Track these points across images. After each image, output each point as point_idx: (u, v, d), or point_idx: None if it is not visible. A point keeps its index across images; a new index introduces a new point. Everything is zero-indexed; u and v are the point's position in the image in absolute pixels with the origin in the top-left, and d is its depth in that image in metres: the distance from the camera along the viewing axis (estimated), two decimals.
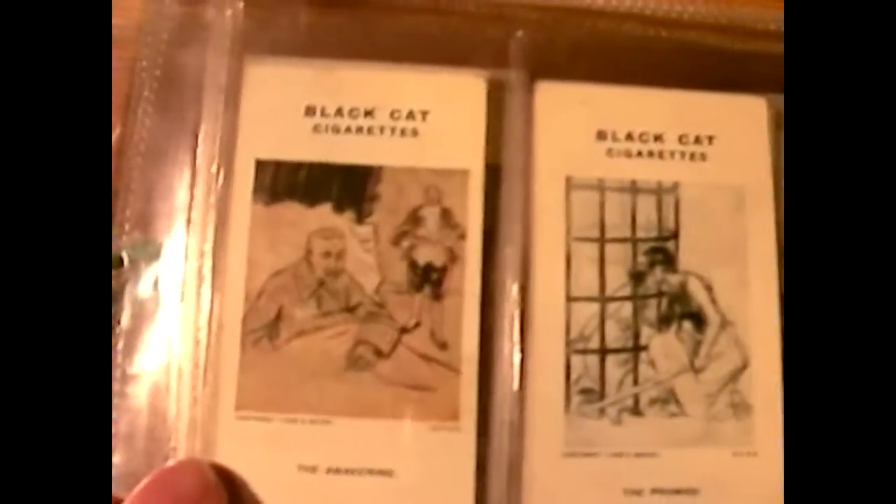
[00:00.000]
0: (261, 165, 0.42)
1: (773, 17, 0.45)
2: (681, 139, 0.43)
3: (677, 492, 0.41)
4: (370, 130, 0.42)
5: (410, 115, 0.42)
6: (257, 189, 0.41)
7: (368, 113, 0.42)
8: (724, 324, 0.42)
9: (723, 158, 0.43)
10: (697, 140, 0.43)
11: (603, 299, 0.42)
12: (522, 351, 0.41)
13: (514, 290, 0.41)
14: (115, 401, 0.40)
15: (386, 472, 0.40)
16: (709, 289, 0.42)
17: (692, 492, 0.41)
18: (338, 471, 0.40)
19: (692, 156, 0.43)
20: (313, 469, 0.40)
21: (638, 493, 0.40)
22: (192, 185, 0.42)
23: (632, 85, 0.44)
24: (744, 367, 0.42)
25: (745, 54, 0.45)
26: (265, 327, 0.41)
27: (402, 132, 0.42)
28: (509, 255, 0.42)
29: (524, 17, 0.44)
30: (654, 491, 0.40)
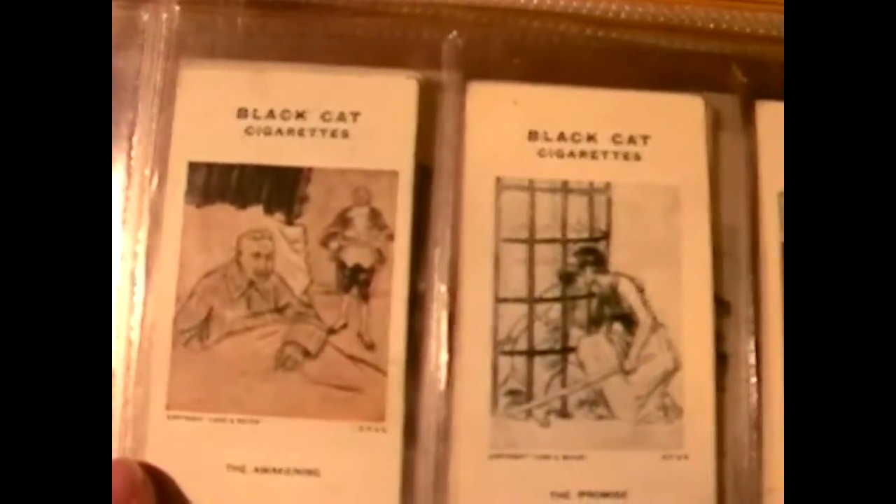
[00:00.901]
0: (193, 167, 0.42)
1: (711, 15, 0.44)
2: (614, 139, 0.43)
3: (605, 495, 0.40)
4: (301, 132, 0.42)
5: (341, 117, 0.42)
6: (190, 191, 0.42)
7: (300, 115, 0.42)
8: (656, 325, 0.42)
9: (657, 158, 0.43)
10: (632, 140, 0.43)
11: (531, 300, 0.41)
12: (450, 352, 0.41)
13: (442, 291, 0.41)
14: None
15: (312, 472, 0.40)
16: (640, 290, 0.42)
17: (620, 495, 0.40)
18: (265, 470, 0.40)
19: (626, 155, 0.43)
20: (242, 468, 0.40)
21: (565, 495, 0.40)
22: (127, 188, 0.42)
23: (568, 85, 0.44)
24: (675, 369, 0.41)
25: (683, 53, 0.44)
26: (196, 327, 0.41)
27: (333, 133, 0.42)
28: (438, 256, 0.42)
29: (460, 17, 0.44)
30: (582, 494, 0.40)
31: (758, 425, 0.41)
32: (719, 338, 0.42)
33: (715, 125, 0.44)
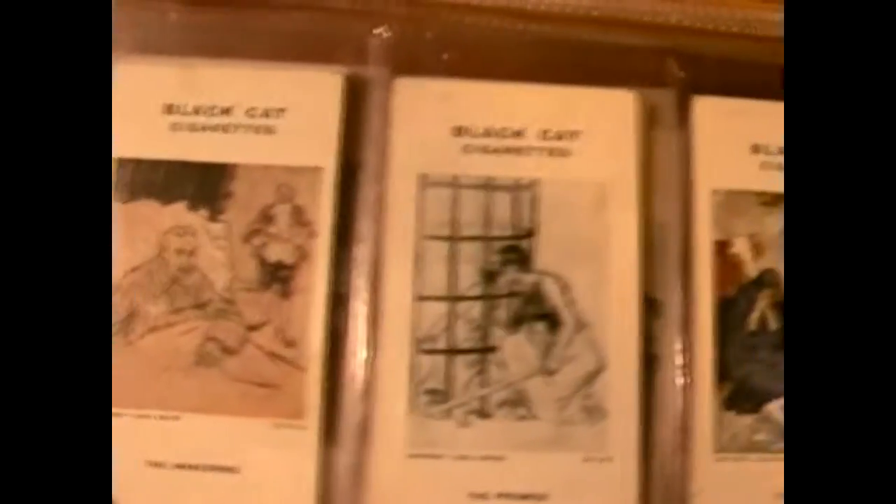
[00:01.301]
0: (121, 163, 0.42)
1: (646, 9, 0.43)
2: (542, 135, 0.42)
3: (524, 497, 0.40)
4: (227, 128, 0.42)
5: (267, 113, 0.42)
6: (117, 186, 0.42)
7: (226, 111, 0.42)
8: (580, 325, 0.41)
9: (586, 154, 0.42)
10: (560, 136, 0.42)
11: (453, 299, 0.41)
12: (371, 350, 0.41)
13: (363, 288, 0.41)
14: None
15: (231, 469, 0.40)
16: (565, 289, 0.41)
17: (540, 497, 0.40)
18: (185, 466, 0.40)
19: (553, 152, 0.42)
20: (161, 464, 0.40)
21: (483, 497, 0.40)
22: None
23: (500, 80, 0.43)
24: (599, 370, 0.41)
25: (619, 48, 0.43)
26: (120, 323, 0.41)
27: (258, 130, 0.42)
28: (360, 253, 0.41)
29: (391, 12, 0.43)
30: (501, 495, 0.40)
31: (685, 428, 0.41)
32: (649, 338, 0.41)
33: (650, 121, 0.43)
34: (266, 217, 0.42)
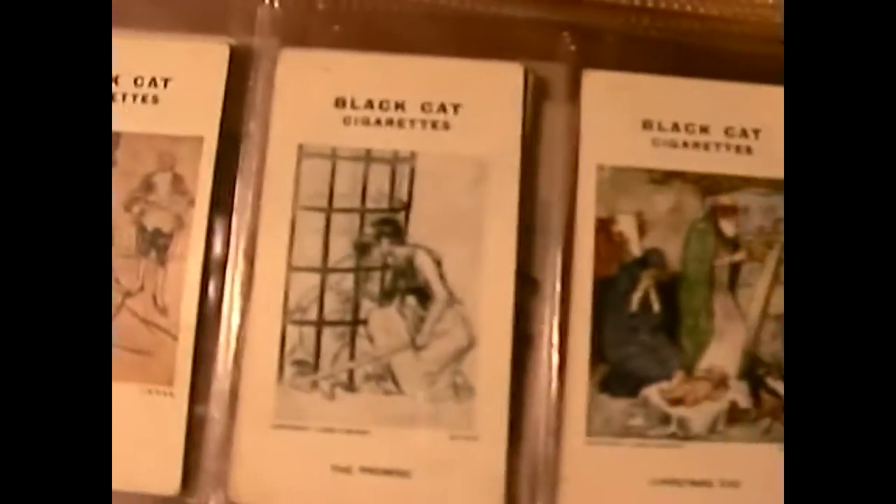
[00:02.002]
0: None
1: None
2: (423, 107, 0.42)
3: (388, 472, 0.39)
4: (113, 97, 0.43)
5: (153, 83, 0.43)
6: None
7: (114, 80, 0.43)
8: (452, 301, 0.40)
9: (467, 128, 0.41)
10: (442, 108, 0.41)
11: (324, 270, 0.41)
12: (242, 319, 0.40)
13: (239, 258, 0.41)
14: None
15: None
16: (438, 263, 0.40)
17: (404, 473, 0.39)
18: None
19: (434, 124, 0.41)
20: None
21: (346, 470, 0.39)
22: None
23: (391, 53, 0.43)
24: (469, 346, 0.40)
25: (512, 20, 0.43)
26: None
27: (144, 99, 0.42)
28: (237, 223, 0.41)
29: None
30: (364, 469, 0.39)
31: (557, 409, 0.40)
32: (525, 316, 0.40)
33: (540, 95, 0.42)
34: (147, 185, 0.42)
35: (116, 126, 0.42)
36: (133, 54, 0.43)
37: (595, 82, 0.42)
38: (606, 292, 0.40)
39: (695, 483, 0.39)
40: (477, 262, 0.40)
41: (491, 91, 0.42)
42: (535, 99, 0.42)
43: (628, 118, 0.42)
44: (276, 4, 0.43)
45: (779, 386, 0.40)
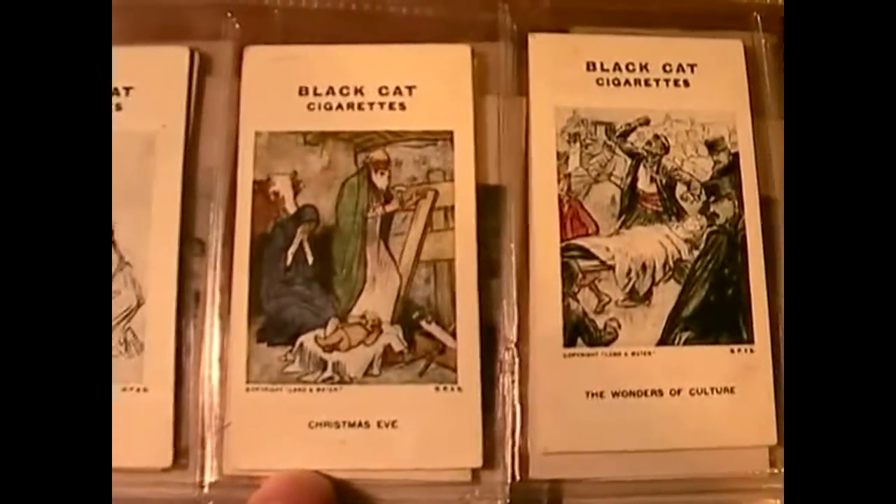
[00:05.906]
0: None
1: None
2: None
3: None
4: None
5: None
6: None
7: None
8: (122, 264, 0.43)
9: (136, 107, 0.45)
10: (115, 91, 0.45)
11: None
12: None
13: None
14: None
15: None
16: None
17: None
18: None
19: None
20: None
21: None
22: None
23: None
24: (138, 305, 0.43)
25: (175, 6, 0.45)
26: None
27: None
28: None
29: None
30: None
31: (222, 361, 0.42)
32: (193, 276, 0.44)
33: (205, 72, 0.45)
34: None
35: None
36: None
37: (255, 56, 0.45)
38: (264, 248, 0.43)
39: (352, 424, 0.42)
40: (146, 227, 0.44)
41: (160, 74, 0.45)
42: (201, 76, 0.45)
43: (286, 87, 0.45)
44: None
45: (433, 329, 0.42)
